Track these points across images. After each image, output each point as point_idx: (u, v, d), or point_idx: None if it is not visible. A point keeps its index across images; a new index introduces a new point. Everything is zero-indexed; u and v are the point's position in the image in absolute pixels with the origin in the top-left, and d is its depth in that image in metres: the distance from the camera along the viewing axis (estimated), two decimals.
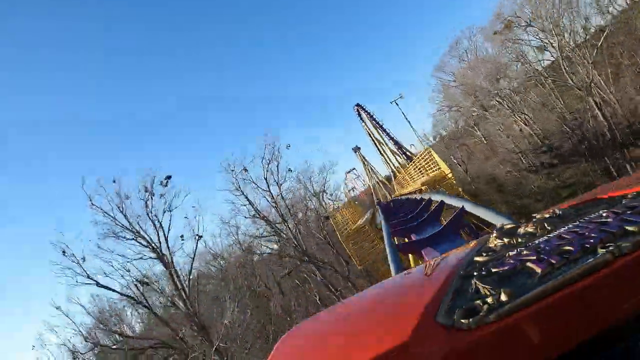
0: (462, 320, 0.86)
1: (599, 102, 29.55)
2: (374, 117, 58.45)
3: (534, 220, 1.27)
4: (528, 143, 43.02)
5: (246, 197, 39.83)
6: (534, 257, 1.00)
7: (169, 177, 31.37)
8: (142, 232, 29.81)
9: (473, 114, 51.99)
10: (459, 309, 0.90)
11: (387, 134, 55.66)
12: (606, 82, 30.05)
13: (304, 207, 48.39)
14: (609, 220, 1.06)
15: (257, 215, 40.49)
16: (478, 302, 0.90)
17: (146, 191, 30.48)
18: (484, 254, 1.16)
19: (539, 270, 0.93)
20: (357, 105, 61.18)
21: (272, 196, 40.34)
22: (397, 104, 38.29)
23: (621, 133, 29.97)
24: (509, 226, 1.30)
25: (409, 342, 0.88)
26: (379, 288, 1.58)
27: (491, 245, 1.22)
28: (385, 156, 63.65)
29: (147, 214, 30.34)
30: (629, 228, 0.97)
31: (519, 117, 40.97)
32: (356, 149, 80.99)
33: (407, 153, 53.96)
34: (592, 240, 0.98)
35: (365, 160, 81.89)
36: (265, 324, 31.10)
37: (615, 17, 33.71)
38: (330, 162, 77.28)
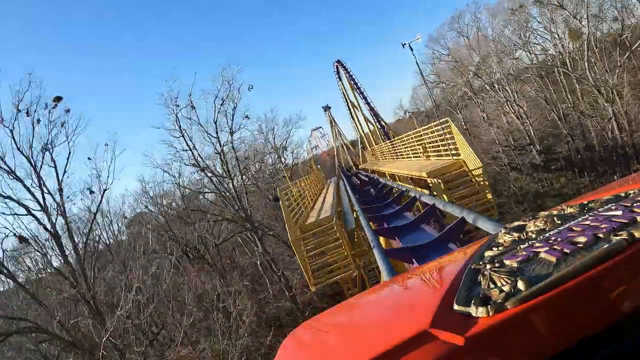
0: (481, 308, 0.87)
1: (617, 110, 25.72)
2: (354, 77, 53.53)
3: (543, 215, 1.25)
4: (513, 139, 39.37)
5: (188, 141, 33.47)
6: (547, 248, 0.99)
7: (58, 99, 22.72)
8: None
9: (459, 93, 48.21)
10: (475, 298, 0.90)
11: (364, 98, 50.92)
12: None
13: (260, 161, 43.40)
14: (618, 212, 1.06)
15: (197, 165, 34.00)
16: (494, 290, 0.91)
17: (27, 114, 21.53)
18: (494, 249, 1.15)
19: (553, 259, 0.93)
20: (338, 62, 55.91)
21: (220, 144, 34.37)
22: (410, 47, 32.60)
23: (628, 145, 26.65)
24: (517, 223, 1.29)
25: (429, 329, 0.89)
26: (388, 286, 1.70)
27: (500, 241, 1.20)
28: (357, 121, 59.57)
29: (19, 147, 21.52)
30: (639, 218, 0.98)
31: (512, 108, 36.98)
32: (326, 108, 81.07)
33: (382, 122, 49.58)
34: (604, 229, 0.98)
35: (334, 121, 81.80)
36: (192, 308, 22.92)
37: None
38: (297, 115, 71.40)
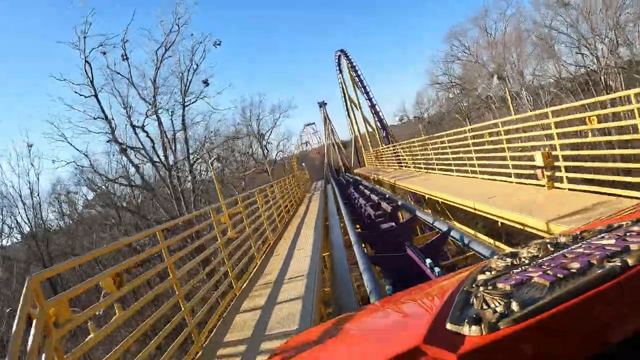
0: (474, 327, 0.87)
1: None
2: (357, 69, 47.58)
3: (536, 243, 1.28)
4: None
5: (103, 106, 23.42)
6: (540, 273, 1.01)
7: None
8: None
9: (471, 100, 42.52)
10: (469, 317, 0.91)
11: (366, 93, 45.17)
12: None
13: (229, 149, 37.70)
14: (611, 241, 1.08)
15: (115, 141, 23.73)
16: (487, 311, 0.92)
17: None
18: (487, 273, 1.16)
19: (547, 282, 0.94)
20: (341, 51, 49.91)
21: (158, 118, 24.85)
22: None
23: None
24: (510, 250, 1.32)
25: (421, 345, 0.90)
26: (380, 306, 1.72)
27: (493, 266, 1.21)
28: (353, 119, 53.42)
29: None
30: (632, 247, 0.99)
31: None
32: (322, 104, 79.63)
33: (384, 122, 44.12)
34: (597, 257, 0.99)
35: (328, 118, 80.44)
36: None
37: None
38: (287, 104, 66.60)
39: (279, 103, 67.36)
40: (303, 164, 45.46)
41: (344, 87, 53.50)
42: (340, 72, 53.72)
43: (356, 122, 54.25)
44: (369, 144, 48.53)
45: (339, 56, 52.49)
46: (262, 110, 48.23)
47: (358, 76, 48.47)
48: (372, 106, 46.70)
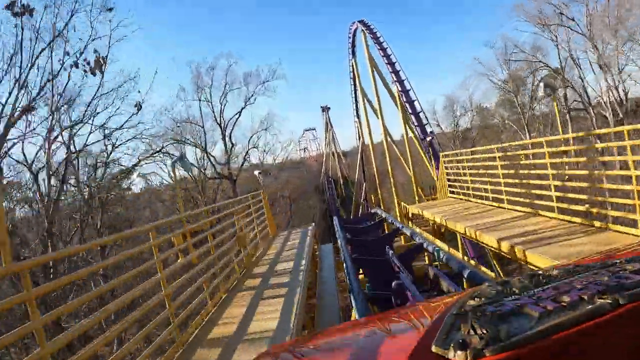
0: (459, 352, 0.87)
1: None
2: (383, 43, 33.43)
3: (528, 274, 1.29)
4: None
5: None
6: (530, 303, 1.02)
7: None
8: None
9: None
10: (455, 342, 0.90)
11: (399, 81, 30.26)
12: None
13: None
14: (604, 277, 1.08)
15: None
16: (474, 337, 0.92)
17: None
18: (477, 299, 1.17)
19: (536, 314, 0.95)
20: (360, 22, 36.17)
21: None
22: None
23: None
24: (502, 279, 1.33)
25: None
26: (364, 322, 1.70)
27: (484, 292, 1.22)
28: (365, 120, 38.98)
29: None
30: (626, 285, 0.99)
31: None
32: (325, 109, 76.36)
33: (425, 119, 29.23)
34: (589, 292, 0.99)
35: (330, 123, 75.75)
36: None
37: None
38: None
39: (258, 68, 51.43)
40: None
41: (356, 74, 39.42)
42: (354, 54, 40.17)
43: (368, 125, 39.53)
44: (397, 154, 34.81)
45: (354, 31, 38.75)
46: (229, 82, 37.61)
47: (386, 54, 33.34)
48: (407, 96, 31.39)
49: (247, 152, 38.77)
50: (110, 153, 28.51)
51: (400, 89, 28.49)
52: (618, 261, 1.24)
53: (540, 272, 1.30)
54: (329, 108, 76.66)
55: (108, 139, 27.93)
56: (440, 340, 0.95)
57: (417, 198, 29.19)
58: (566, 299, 0.99)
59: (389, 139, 33.62)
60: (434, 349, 0.93)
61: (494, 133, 42.68)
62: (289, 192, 42.90)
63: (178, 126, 35.36)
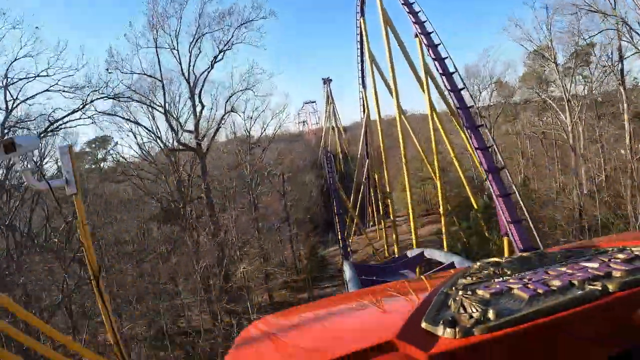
0: (448, 329, 0.89)
1: None
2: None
3: (521, 256, 1.28)
4: None
5: None
6: (521, 285, 1.01)
7: None
8: None
9: None
10: (444, 319, 0.92)
11: (424, 33, 24.02)
12: None
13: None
14: (595, 264, 1.09)
15: None
16: (464, 315, 0.93)
17: None
18: (469, 278, 1.16)
19: (526, 296, 0.95)
20: None
21: None
22: None
23: None
24: (494, 259, 1.31)
25: (395, 341, 0.90)
26: (358, 295, 1.79)
27: (475, 272, 1.21)
28: (372, 90, 34.22)
29: None
30: (615, 273, 1.00)
31: None
32: (327, 81, 73.15)
33: (459, 91, 22.36)
34: (579, 277, 1.00)
35: (332, 97, 72.55)
36: None
37: None
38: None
39: (235, 6, 41.68)
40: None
41: (364, 35, 34.30)
42: (362, 13, 34.78)
43: (375, 94, 34.87)
44: (408, 129, 29.90)
45: None
46: (203, 25, 30.07)
47: (407, 1, 26.03)
48: (435, 52, 24.55)
49: (223, 117, 31.26)
50: (11, 111, 22.08)
51: (426, 42, 22.65)
52: (610, 249, 1.22)
53: (533, 254, 1.28)
54: (331, 80, 73.75)
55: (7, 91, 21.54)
56: (431, 316, 0.96)
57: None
58: (556, 283, 1.00)
59: (401, 114, 28.79)
60: (423, 325, 0.94)
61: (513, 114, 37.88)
62: (282, 168, 37.52)
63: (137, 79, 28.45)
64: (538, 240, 14.57)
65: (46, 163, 25.64)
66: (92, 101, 25.55)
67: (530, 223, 15.16)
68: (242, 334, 1.29)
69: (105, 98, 26.47)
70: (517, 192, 16.16)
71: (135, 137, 29.15)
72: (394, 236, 34.55)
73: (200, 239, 25.80)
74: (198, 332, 23.59)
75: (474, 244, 26.91)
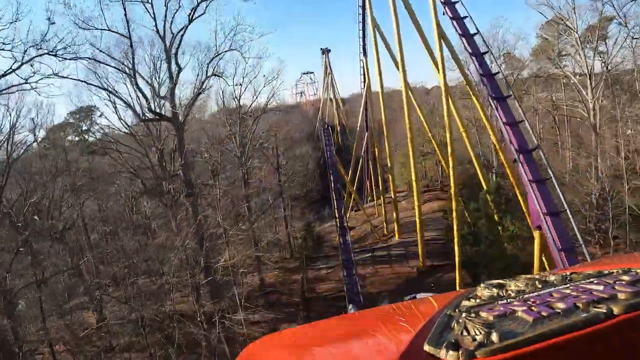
0: (451, 352, 0.88)
1: None
2: None
3: (524, 278, 1.29)
4: None
5: None
6: (525, 308, 1.02)
7: None
8: None
9: None
10: (447, 342, 0.92)
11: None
12: None
13: None
14: (599, 287, 1.08)
15: None
16: (467, 338, 0.93)
17: None
18: (472, 300, 1.17)
19: (530, 318, 0.95)
20: None
21: None
22: None
23: None
24: (497, 281, 1.32)
25: None
26: (359, 316, 1.77)
27: (479, 294, 1.22)
28: (374, 57, 31.86)
29: None
30: (620, 296, 1.00)
31: None
32: (325, 51, 72.34)
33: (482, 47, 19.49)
34: (584, 300, 1.00)
35: (330, 68, 71.44)
36: None
37: None
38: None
39: None
40: None
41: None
42: None
43: (378, 62, 32.31)
44: (415, 106, 27.45)
45: None
46: None
47: None
48: (452, 10, 21.31)
49: (204, 82, 27.25)
50: None
51: (447, 10, 19.50)
52: (615, 271, 1.23)
53: (536, 276, 1.30)
54: (329, 50, 72.38)
55: None
56: (433, 339, 0.95)
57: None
58: (561, 305, 0.99)
59: (407, 84, 26.08)
60: (426, 347, 0.93)
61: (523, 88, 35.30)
62: (276, 141, 34.77)
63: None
64: (579, 235, 12.47)
65: None
66: (31, 59, 21.32)
67: (571, 215, 12.94)
68: (243, 354, 1.29)
69: (53, 56, 22.00)
70: (553, 178, 13.75)
71: (115, 107, 26.08)
72: (394, 214, 32.49)
73: (180, 219, 23.57)
74: (182, 315, 21.87)
75: (482, 226, 24.82)
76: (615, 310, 0.93)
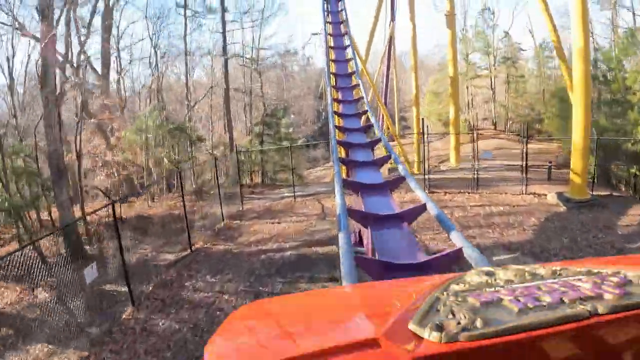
0: (434, 333, 0.90)
1: None
2: None
3: (514, 268, 1.30)
4: None
5: None
6: (511, 297, 1.04)
7: None
8: None
9: None
10: (432, 323, 0.93)
11: None
12: None
13: None
14: (587, 285, 1.11)
15: None
16: (452, 321, 0.94)
17: None
18: (461, 284, 1.19)
19: (515, 308, 0.97)
20: None
21: None
22: None
23: None
24: (487, 268, 1.34)
25: (380, 339, 0.92)
26: (349, 290, 1.80)
27: (468, 279, 1.24)
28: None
29: None
30: (606, 296, 1.02)
31: None
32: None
33: None
34: (570, 296, 1.02)
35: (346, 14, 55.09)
36: None
37: None
38: None
39: None
40: None
41: None
42: None
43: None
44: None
45: None
46: None
47: None
48: None
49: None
50: None
51: None
52: (604, 271, 1.23)
53: (526, 268, 1.30)
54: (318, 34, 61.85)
55: None
56: (418, 319, 0.96)
57: None
58: (547, 298, 1.01)
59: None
60: (410, 326, 0.94)
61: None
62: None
63: None
64: None
65: None
66: None
67: None
68: (227, 321, 1.29)
69: None
70: None
71: None
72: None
73: None
74: None
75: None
76: (600, 309, 0.94)
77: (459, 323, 0.92)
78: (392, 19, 27.33)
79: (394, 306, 1.15)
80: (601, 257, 1.76)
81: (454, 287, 1.16)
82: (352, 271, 3.62)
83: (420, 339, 0.90)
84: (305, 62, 64.52)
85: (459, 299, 1.05)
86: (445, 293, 1.11)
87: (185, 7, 28.95)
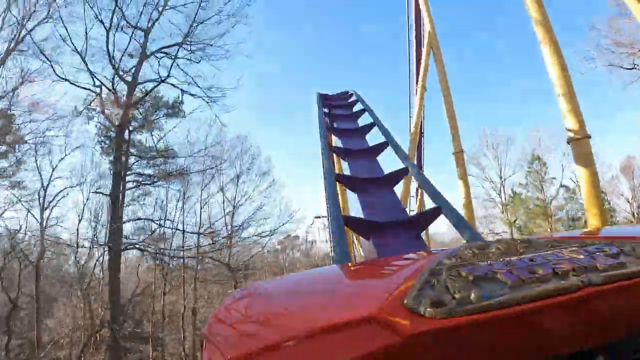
0: (429, 309, 0.90)
1: None
2: None
3: (507, 241, 1.32)
4: None
5: None
6: (505, 270, 1.04)
7: None
8: None
9: None
10: (426, 299, 0.93)
11: None
12: None
13: None
14: (580, 256, 1.11)
15: None
16: (446, 296, 0.95)
17: None
18: (454, 259, 1.20)
19: (509, 281, 0.98)
20: None
21: None
22: None
23: None
24: (480, 242, 1.36)
25: (375, 316, 0.92)
26: (342, 268, 1.78)
27: (461, 253, 1.25)
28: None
29: None
30: (599, 267, 1.03)
31: None
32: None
33: None
34: (563, 268, 1.03)
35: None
36: None
37: None
38: None
39: None
40: None
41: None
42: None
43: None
44: None
45: None
46: None
47: None
48: None
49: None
50: None
51: None
52: (597, 242, 1.26)
53: (519, 240, 1.33)
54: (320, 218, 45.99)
55: None
56: (413, 295, 0.96)
57: None
58: (540, 271, 1.01)
59: None
60: (406, 302, 0.94)
61: None
62: None
63: None
64: None
65: None
66: None
67: None
68: (226, 301, 1.34)
69: None
70: None
71: None
72: None
73: None
74: None
75: None
76: (594, 280, 0.95)
77: (453, 298, 0.92)
78: None
79: (388, 283, 1.18)
80: (594, 229, 1.50)
81: (447, 262, 1.16)
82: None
83: (415, 315, 0.90)
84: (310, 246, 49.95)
85: (453, 274, 1.05)
86: (438, 267, 1.11)
87: None
